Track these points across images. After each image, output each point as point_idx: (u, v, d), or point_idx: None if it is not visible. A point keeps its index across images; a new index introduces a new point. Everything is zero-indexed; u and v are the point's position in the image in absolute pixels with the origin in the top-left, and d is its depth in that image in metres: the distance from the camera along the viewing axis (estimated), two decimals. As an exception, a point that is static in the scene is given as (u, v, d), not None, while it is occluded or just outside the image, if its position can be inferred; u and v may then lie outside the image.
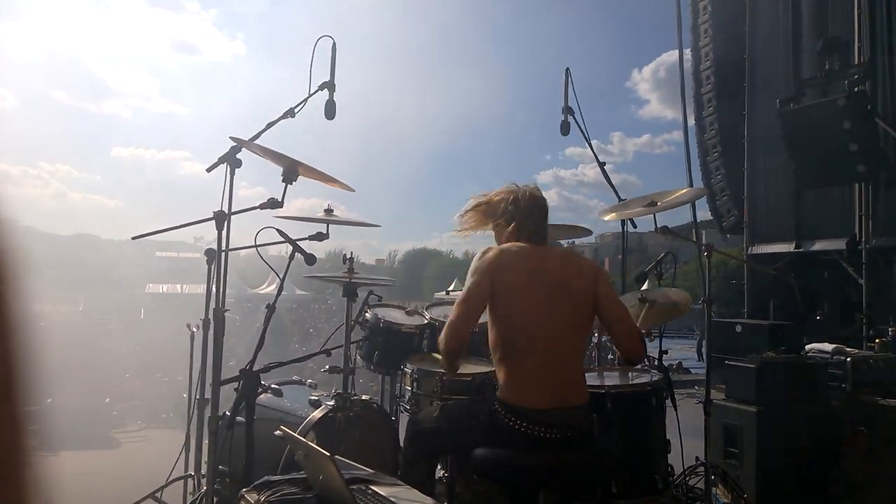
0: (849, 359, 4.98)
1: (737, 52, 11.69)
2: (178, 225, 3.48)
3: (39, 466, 0.58)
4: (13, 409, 0.56)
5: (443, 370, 3.44)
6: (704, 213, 13.26)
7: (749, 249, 11.15)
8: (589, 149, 4.02)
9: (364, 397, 3.63)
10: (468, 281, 2.83)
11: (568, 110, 3.87)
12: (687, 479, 4.01)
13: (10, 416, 0.56)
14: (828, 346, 5.34)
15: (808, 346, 5.61)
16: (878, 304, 8.55)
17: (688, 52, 13.34)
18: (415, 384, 3.47)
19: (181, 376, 4.96)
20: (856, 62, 8.56)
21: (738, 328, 9.39)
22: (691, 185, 12.43)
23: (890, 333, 6.30)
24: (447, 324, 2.80)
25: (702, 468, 3.89)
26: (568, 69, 3.88)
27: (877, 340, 5.86)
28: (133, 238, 3.58)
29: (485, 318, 2.87)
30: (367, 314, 4.00)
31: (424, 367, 3.51)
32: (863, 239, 8.64)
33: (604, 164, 4.01)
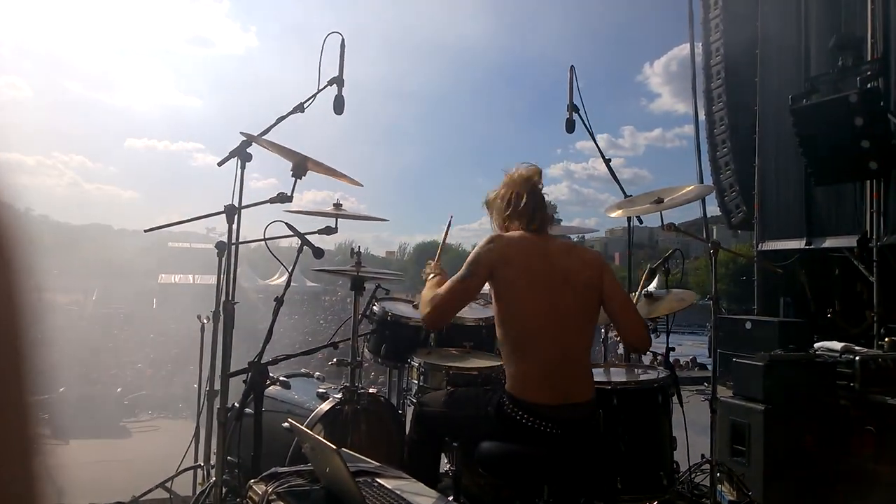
0: (857, 357, 4.96)
1: (748, 48, 11.61)
2: (190, 218, 3.52)
3: (50, 455, 0.60)
4: (22, 397, 0.57)
5: (451, 364, 3.48)
6: (714, 209, 13.20)
7: (759, 246, 11.09)
8: (595, 145, 4.02)
9: (371, 390, 3.66)
10: (466, 267, 2.84)
11: (573, 108, 3.86)
12: (692, 476, 4.02)
13: (20, 404, 0.57)
14: (837, 345, 5.32)
15: (816, 345, 5.60)
16: (888, 301, 8.50)
17: (699, 47, 13.26)
18: (421, 378, 3.49)
19: (192, 366, 5.01)
20: (869, 58, 8.48)
21: (748, 325, 9.38)
22: (701, 181, 12.38)
23: (900, 332, 6.28)
24: (433, 302, 2.83)
25: (707, 465, 3.90)
26: (573, 67, 3.87)
27: (887, 339, 5.82)
28: (146, 231, 3.61)
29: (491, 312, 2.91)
30: (374, 307, 4.02)
31: (431, 361, 3.53)
32: (874, 236, 8.58)
33: (609, 160, 3.99)
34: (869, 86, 7.98)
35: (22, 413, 0.57)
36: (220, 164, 3.16)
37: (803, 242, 9.94)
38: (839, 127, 7.81)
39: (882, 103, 7.87)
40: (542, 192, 3.05)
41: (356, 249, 3.71)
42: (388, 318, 3.95)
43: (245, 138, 3.10)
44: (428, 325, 3.03)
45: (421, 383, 3.48)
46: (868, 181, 8.58)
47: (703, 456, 3.96)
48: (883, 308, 8.45)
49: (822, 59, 9.37)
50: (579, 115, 3.89)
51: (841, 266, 9.63)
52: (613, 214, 3.73)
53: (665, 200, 3.45)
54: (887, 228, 8.41)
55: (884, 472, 4.58)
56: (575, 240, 5.23)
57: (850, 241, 8.98)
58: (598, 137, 4.09)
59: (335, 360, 3.66)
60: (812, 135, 8.40)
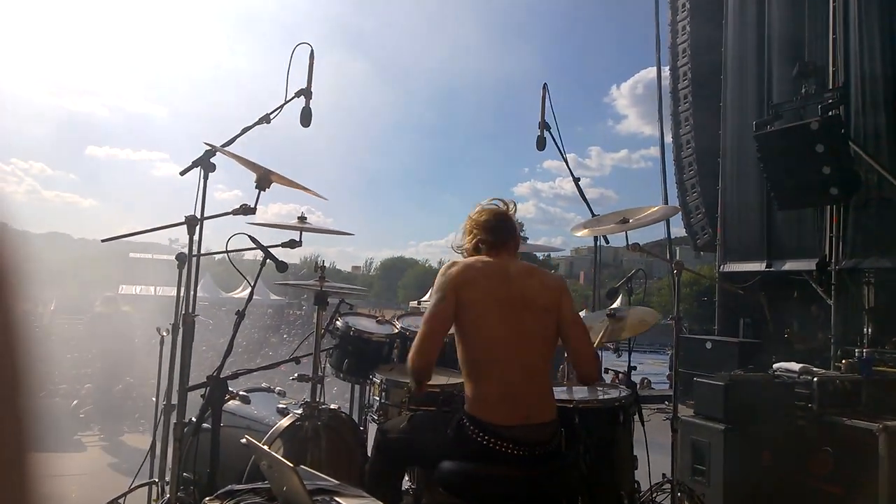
0: (815, 379, 5.03)
1: (714, 73, 11.85)
2: (149, 228, 3.45)
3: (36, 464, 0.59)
4: (17, 407, 0.58)
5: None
6: (679, 230, 13.42)
7: (721, 267, 11.27)
8: (565, 163, 4.04)
9: (332, 406, 3.61)
10: (433, 298, 2.83)
11: (544, 125, 3.87)
12: (653, 495, 4.02)
13: (14, 414, 0.58)
14: (795, 366, 5.40)
15: (775, 365, 5.68)
16: (845, 324, 8.68)
17: (666, 70, 13.50)
18: (383, 394, 3.45)
19: (152, 380, 4.91)
20: (831, 86, 8.70)
21: (709, 345, 9.51)
22: (667, 202, 12.58)
23: (857, 354, 6.40)
24: (415, 344, 2.79)
25: (668, 485, 3.90)
26: (545, 84, 3.89)
27: (843, 361, 5.93)
28: (103, 240, 3.53)
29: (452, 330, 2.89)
30: (337, 322, 3.97)
31: (393, 377, 3.49)
32: (833, 260, 8.76)
33: (578, 179, 4.01)
34: (830, 113, 8.17)
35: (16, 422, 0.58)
36: (182, 173, 3.11)
37: (764, 265, 10.13)
38: (801, 153, 7.99)
39: (843, 131, 8.06)
40: (514, 219, 3.09)
41: (320, 263, 3.67)
42: (351, 333, 3.90)
43: (209, 148, 3.05)
44: (416, 376, 2.79)
45: (383, 400, 3.44)
46: (828, 206, 8.77)
47: (664, 475, 3.97)
48: (840, 330, 8.62)
49: (784, 87, 9.59)
50: (550, 133, 3.90)
51: (800, 289, 9.83)
52: (579, 233, 3.74)
53: (631, 220, 3.47)
54: (845, 253, 8.60)
55: (840, 492, 4.63)
56: (541, 258, 5.26)
57: (809, 265, 9.17)
58: (566, 157, 4.11)
59: (297, 374, 3.60)
60: (775, 160, 8.59)
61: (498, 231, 3.01)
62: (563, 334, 2.89)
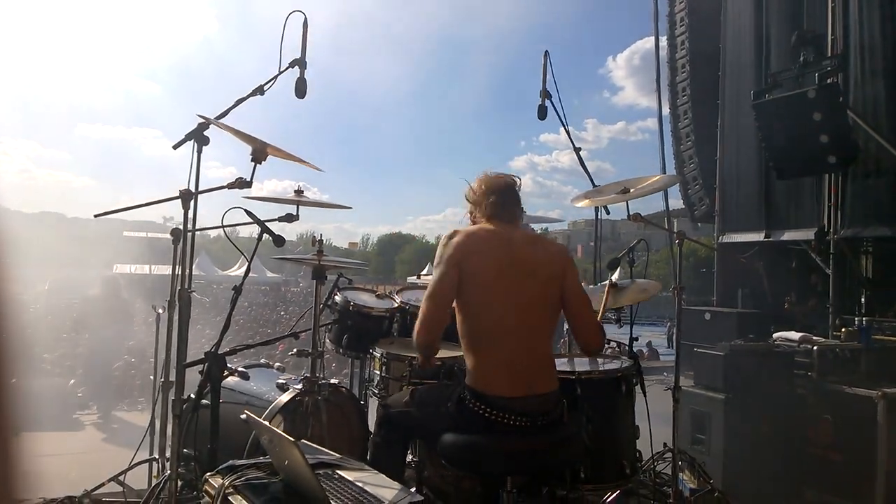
0: (815, 347, 5.04)
1: (712, 43, 11.73)
2: (142, 203, 3.40)
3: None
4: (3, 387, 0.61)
5: (413, 355, 3.42)
6: (676, 202, 13.37)
7: (719, 238, 11.25)
8: (565, 134, 3.98)
9: (332, 381, 3.59)
10: (435, 272, 2.78)
11: (546, 94, 3.81)
12: (654, 464, 4.04)
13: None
14: (795, 335, 5.40)
15: (775, 335, 5.67)
16: (844, 294, 8.68)
17: (663, 41, 13.37)
18: (384, 368, 3.43)
19: (151, 358, 4.90)
20: (829, 54, 8.61)
21: (707, 316, 9.52)
22: (664, 173, 12.50)
23: (856, 323, 6.41)
24: (419, 319, 2.75)
25: (669, 454, 3.91)
26: (547, 52, 3.82)
27: (843, 330, 5.93)
28: (96, 216, 3.47)
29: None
30: (336, 297, 3.94)
31: (394, 351, 3.47)
32: (831, 229, 8.74)
33: (579, 149, 3.95)
34: (829, 81, 8.09)
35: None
36: (175, 146, 3.05)
37: (762, 235, 10.11)
38: (799, 122, 7.92)
39: (841, 99, 7.99)
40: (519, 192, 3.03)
41: (318, 238, 3.62)
42: (350, 307, 3.87)
43: (202, 120, 2.99)
44: (424, 351, 2.80)
45: (383, 374, 3.42)
46: (826, 175, 8.73)
47: (664, 445, 3.98)
48: (838, 299, 8.62)
49: (783, 55, 9.50)
50: (552, 102, 3.84)
51: (799, 259, 9.82)
52: (580, 204, 3.70)
53: (632, 190, 3.44)
54: (844, 222, 8.57)
55: (840, 459, 4.65)
56: (538, 230, 5.21)
57: (807, 235, 9.15)
58: (562, 130, 4.06)
59: (296, 350, 3.58)
60: (773, 130, 8.53)
61: (509, 195, 2.96)
62: (566, 303, 2.86)
